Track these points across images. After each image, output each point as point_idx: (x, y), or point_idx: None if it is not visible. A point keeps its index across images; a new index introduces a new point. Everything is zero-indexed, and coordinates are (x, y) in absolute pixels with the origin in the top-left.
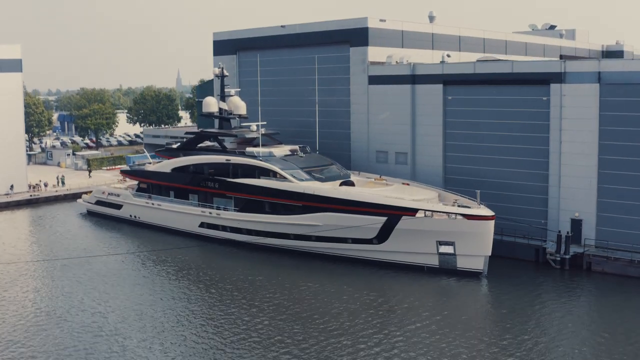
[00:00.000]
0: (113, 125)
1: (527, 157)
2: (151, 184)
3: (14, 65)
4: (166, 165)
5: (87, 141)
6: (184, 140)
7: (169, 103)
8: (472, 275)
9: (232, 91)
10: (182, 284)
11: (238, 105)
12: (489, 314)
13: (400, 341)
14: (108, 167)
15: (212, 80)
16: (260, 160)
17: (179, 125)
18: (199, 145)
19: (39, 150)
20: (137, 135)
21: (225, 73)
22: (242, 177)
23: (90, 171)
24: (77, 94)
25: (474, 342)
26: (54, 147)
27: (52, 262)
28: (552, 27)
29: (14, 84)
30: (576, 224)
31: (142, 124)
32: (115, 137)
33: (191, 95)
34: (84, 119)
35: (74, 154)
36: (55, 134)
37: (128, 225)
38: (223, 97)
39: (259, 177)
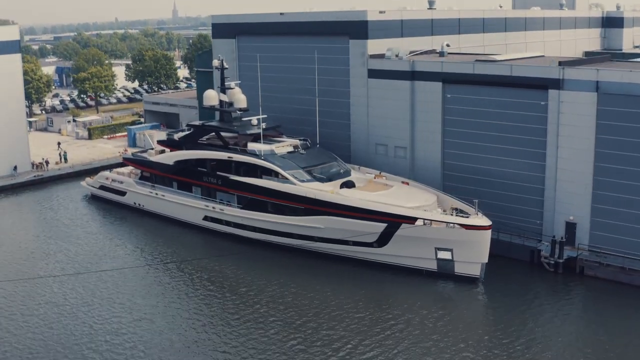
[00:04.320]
0: (111, 87)
1: (525, 159)
2: (154, 174)
3: (12, 47)
4: (169, 158)
5: (87, 99)
6: (186, 133)
7: (167, 63)
8: (469, 280)
9: (232, 83)
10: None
11: (239, 98)
12: (482, 320)
13: (396, 341)
14: (109, 136)
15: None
16: (262, 159)
17: (177, 84)
18: (201, 138)
19: (40, 112)
20: (136, 91)
21: (225, 65)
22: (244, 175)
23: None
24: (73, 40)
25: (467, 345)
26: (54, 108)
27: (67, 276)
28: None
29: (13, 65)
30: (570, 227)
31: (141, 82)
32: (115, 94)
33: (189, 49)
34: (82, 83)
35: (74, 121)
36: (53, 87)
37: (132, 214)
38: (223, 89)
39: (261, 176)
